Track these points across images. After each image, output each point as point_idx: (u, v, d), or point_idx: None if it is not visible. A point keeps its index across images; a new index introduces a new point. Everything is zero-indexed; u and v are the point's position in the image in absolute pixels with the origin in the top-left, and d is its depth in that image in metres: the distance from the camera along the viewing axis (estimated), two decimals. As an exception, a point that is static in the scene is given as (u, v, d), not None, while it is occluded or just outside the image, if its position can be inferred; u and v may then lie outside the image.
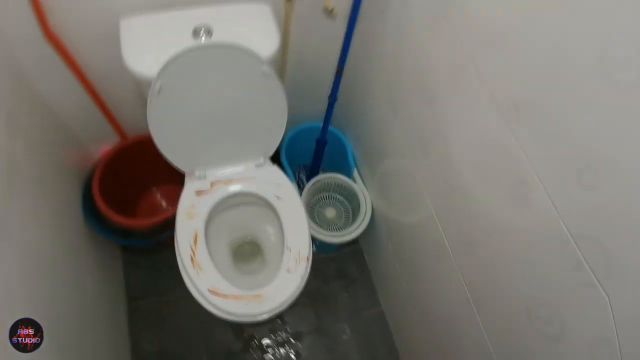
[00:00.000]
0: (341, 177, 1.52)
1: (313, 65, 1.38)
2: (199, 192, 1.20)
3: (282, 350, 1.49)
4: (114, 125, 1.37)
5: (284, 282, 1.10)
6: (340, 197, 1.63)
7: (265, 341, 1.50)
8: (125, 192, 1.47)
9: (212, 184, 1.22)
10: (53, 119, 1.22)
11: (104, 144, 1.42)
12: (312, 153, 1.62)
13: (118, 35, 0.99)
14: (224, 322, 1.51)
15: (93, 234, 1.32)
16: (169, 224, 1.22)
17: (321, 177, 1.53)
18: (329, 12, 1.17)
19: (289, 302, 1.08)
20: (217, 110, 1.09)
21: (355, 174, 1.51)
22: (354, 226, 1.42)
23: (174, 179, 1.29)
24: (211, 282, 1.07)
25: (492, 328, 0.89)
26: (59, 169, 1.19)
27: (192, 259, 1.09)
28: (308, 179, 1.56)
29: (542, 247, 0.68)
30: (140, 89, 1.03)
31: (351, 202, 1.58)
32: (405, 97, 1.07)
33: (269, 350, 1.49)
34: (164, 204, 1.62)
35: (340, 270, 1.66)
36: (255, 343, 1.49)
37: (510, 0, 0.66)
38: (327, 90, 1.32)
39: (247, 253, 1.41)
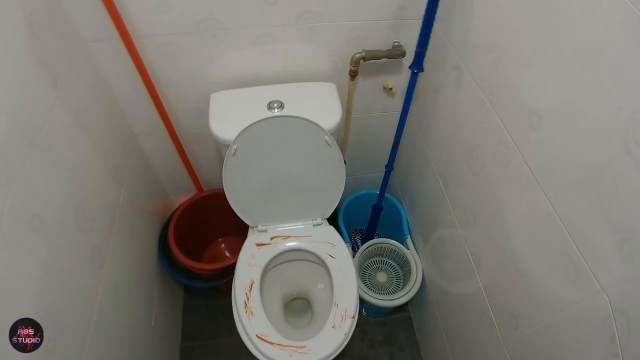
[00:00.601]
0: (394, 243, 1.57)
1: (373, 136, 1.51)
2: (259, 244, 1.32)
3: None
4: (193, 180, 1.57)
5: (328, 337, 1.14)
6: (393, 263, 1.67)
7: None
8: (195, 240, 1.63)
9: (272, 238, 1.33)
10: (149, 172, 1.45)
11: (183, 196, 1.62)
12: (369, 218, 1.70)
13: (206, 106, 1.19)
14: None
15: (163, 274, 1.48)
16: (229, 272, 1.34)
17: (375, 241, 1.59)
18: (388, 90, 1.30)
19: (332, 357, 1.12)
20: (284, 173, 1.22)
21: (409, 241, 1.55)
22: (403, 292, 1.44)
23: (238, 233, 1.43)
24: (260, 328, 1.15)
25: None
26: (146, 214, 1.39)
27: (245, 304, 1.18)
28: (363, 243, 1.62)
29: (584, 321, 0.69)
30: (220, 150, 1.20)
31: (403, 269, 1.61)
32: (456, 170, 1.14)
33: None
34: (227, 253, 1.76)
35: (388, 337, 1.65)
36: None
37: (545, 86, 0.73)
38: (384, 160, 1.43)
39: (297, 308, 1.47)
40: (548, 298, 0.79)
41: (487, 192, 0.98)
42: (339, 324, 1.16)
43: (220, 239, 1.79)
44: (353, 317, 1.18)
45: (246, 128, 1.08)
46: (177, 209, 1.54)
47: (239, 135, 1.09)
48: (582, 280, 0.68)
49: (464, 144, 1.08)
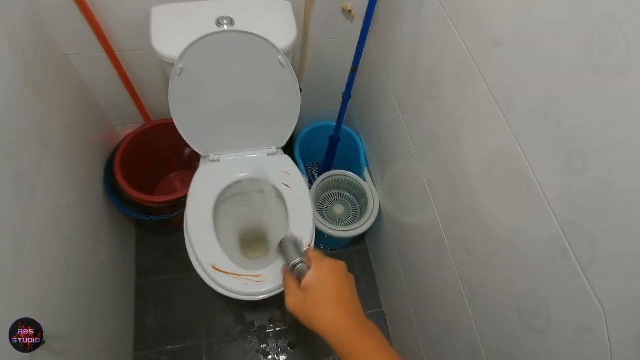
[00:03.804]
0: (351, 175, 1.56)
1: (331, 64, 1.44)
2: (211, 175, 1.26)
3: (278, 341, 1.51)
4: (140, 109, 1.45)
5: (281, 267, 1.13)
6: (350, 196, 1.66)
7: (264, 330, 1.53)
8: (146, 174, 1.55)
9: (225, 168, 1.28)
10: (86, 97, 1.32)
11: (130, 127, 1.51)
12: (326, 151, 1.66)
13: (148, 23, 1.07)
14: (226, 307, 1.55)
15: (112, 209, 1.40)
16: (181, 205, 1.28)
17: (332, 173, 1.57)
18: (347, 13, 1.22)
19: (281, 288, 1.12)
20: (235, 97, 1.14)
21: (366, 173, 1.54)
22: (359, 223, 1.44)
23: (193, 167, 1.36)
24: (214, 258, 1.12)
25: (483, 326, 0.90)
26: (86, 144, 1.28)
27: (198, 235, 1.14)
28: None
29: (532, 238, 0.69)
30: (166, 73, 1.10)
31: (360, 201, 1.61)
32: (415, 96, 1.11)
33: (266, 339, 1.52)
34: (180, 188, 1.69)
35: (344, 268, 1.68)
36: (254, 330, 1.53)
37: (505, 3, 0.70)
38: (343, 90, 1.37)
39: (254, 240, 1.45)
40: (499, 219, 0.79)
41: (445, 116, 0.96)
42: (294, 253, 1.15)
43: (172, 174, 1.71)
44: (309, 246, 1.18)
45: (193, 44, 0.98)
46: (123, 140, 1.44)
47: (184, 51, 0.99)
48: (531, 196, 0.68)
49: (423, 69, 1.04)
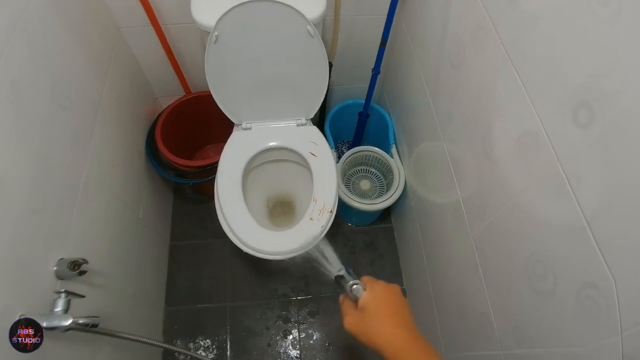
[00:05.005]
0: (378, 151, 1.59)
1: (363, 41, 1.47)
2: (242, 142, 1.33)
3: (300, 310, 1.57)
4: (181, 81, 1.56)
5: (304, 228, 1.18)
6: (377, 172, 1.69)
7: (286, 297, 1.60)
8: (185, 143, 1.65)
9: (255, 136, 1.34)
10: (135, 69, 1.45)
11: (172, 99, 1.61)
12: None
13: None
14: (250, 274, 1.63)
15: (152, 174, 1.51)
16: (214, 171, 1.36)
17: (359, 148, 1.60)
18: (379, -13, 1.25)
19: (305, 248, 1.16)
20: (267, 66, 1.21)
21: (393, 150, 1.56)
22: (384, 197, 1.47)
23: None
24: (238, 214, 1.19)
25: (495, 296, 0.91)
26: (133, 111, 1.40)
27: (224, 193, 1.22)
28: (349, 153, 1.63)
29: (542, 197, 0.70)
30: (204, 43, 1.17)
31: (386, 178, 1.64)
32: (438, 70, 1.12)
33: (287, 306, 1.58)
34: (215, 157, 1.78)
35: (369, 244, 1.71)
36: (276, 297, 1.60)
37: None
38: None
39: (283, 212, 1.52)
40: (510, 178, 0.80)
41: (466, 84, 0.97)
42: (316, 217, 1.20)
43: (210, 145, 1.81)
44: (331, 212, 1.22)
45: (227, 12, 1.05)
46: (164, 109, 1.54)
47: (220, 19, 1.06)
48: (540, 153, 0.69)
49: (447, 40, 1.06)
